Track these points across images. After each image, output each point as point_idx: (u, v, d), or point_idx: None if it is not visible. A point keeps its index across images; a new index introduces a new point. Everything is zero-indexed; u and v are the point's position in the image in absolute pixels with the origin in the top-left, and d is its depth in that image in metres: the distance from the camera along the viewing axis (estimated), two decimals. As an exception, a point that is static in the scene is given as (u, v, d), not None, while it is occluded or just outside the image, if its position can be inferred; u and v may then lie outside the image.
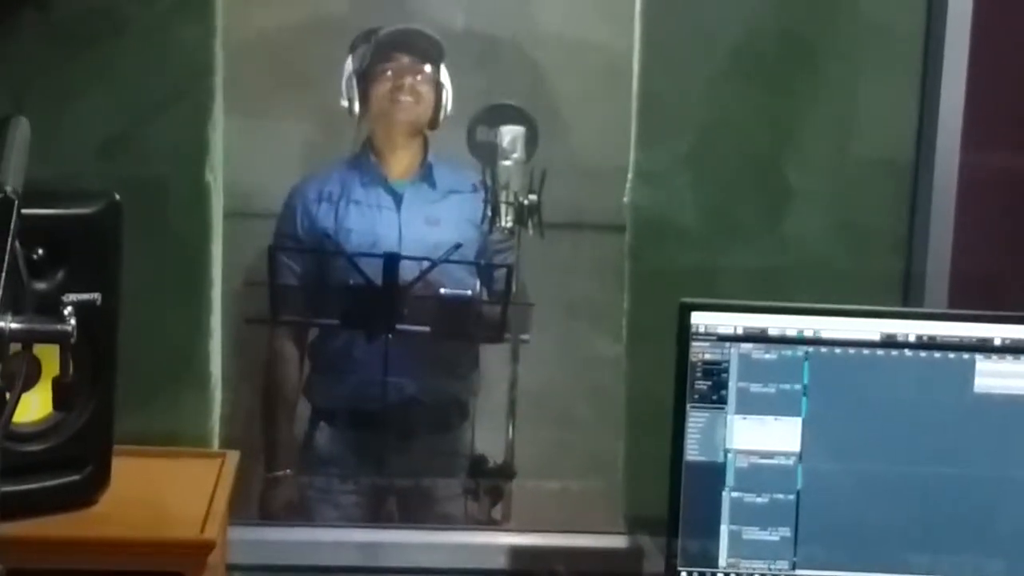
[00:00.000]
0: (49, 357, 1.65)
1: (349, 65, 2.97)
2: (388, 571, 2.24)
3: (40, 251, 1.69)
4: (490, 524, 2.65)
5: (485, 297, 2.80)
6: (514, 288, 2.64)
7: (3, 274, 1.19)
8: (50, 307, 1.62)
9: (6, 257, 1.21)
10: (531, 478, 2.79)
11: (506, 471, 2.61)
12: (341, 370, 2.96)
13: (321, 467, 3.00)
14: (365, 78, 2.95)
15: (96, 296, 1.73)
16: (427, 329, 2.70)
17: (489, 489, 2.64)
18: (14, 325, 1.20)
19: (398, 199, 2.99)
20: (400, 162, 3.02)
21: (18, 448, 1.69)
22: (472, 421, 3.03)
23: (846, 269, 2.25)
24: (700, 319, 1.94)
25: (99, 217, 1.77)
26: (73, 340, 1.29)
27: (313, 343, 3.04)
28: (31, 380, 1.67)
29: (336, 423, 3.01)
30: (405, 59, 2.96)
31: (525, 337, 2.68)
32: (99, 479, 1.81)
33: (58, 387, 1.40)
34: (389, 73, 2.95)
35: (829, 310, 1.95)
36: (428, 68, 2.96)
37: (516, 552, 2.26)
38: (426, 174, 3.02)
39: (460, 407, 3.05)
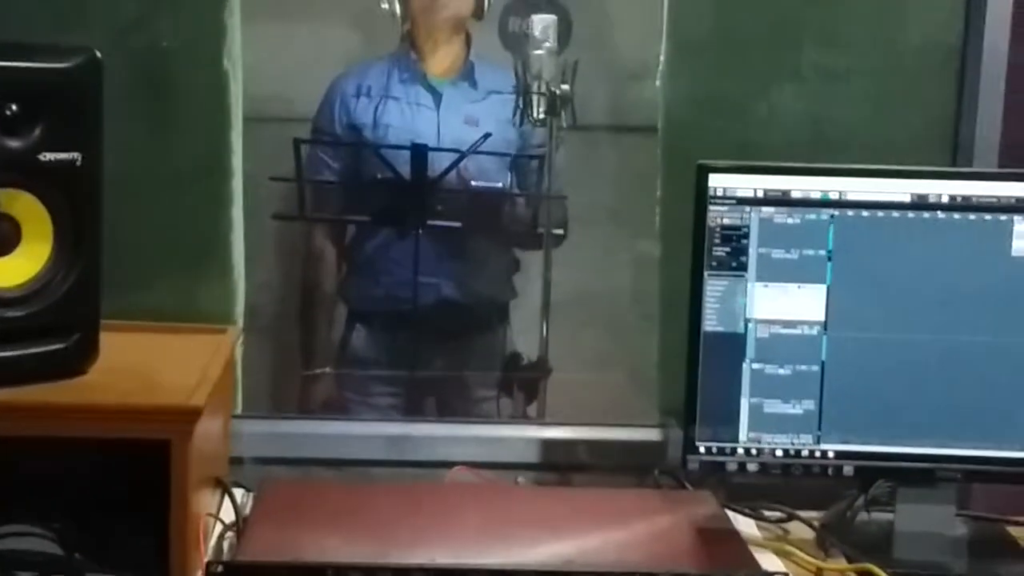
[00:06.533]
0: (28, 221, 1.64)
1: None
2: (417, 464, 2.21)
3: (14, 107, 1.61)
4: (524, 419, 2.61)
5: (517, 190, 2.75)
6: (547, 181, 2.58)
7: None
8: (26, 166, 1.58)
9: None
10: (567, 374, 2.75)
11: (540, 367, 2.57)
12: (377, 271, 2.92)
13: (358, 366, 2.98)
14: None
15: (76, 156, 1.66)
16: (458, 224, 2.66)
17: (524, 385, 2.61)
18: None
19: (437, 98, 2.94)
20: (442, 61, 2.96)
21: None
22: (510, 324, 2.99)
23: (890, 149, 2.17)
24: (718, 181, 1.85)
25: (78, 72, 1.67)
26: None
27: (350, 243, 3.01)
28: (10, 244, 1.64)
29: (372, 324, 2.98)
30: None
31: (559, 231, 2.63)
32: (86, 348, 1.74)
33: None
34: None
35: (855, 170, 1.86)
36: None
37: (547, 445, 2.23)
38: (467, 73, 2.96)
39: (499, 309, 3.00)
